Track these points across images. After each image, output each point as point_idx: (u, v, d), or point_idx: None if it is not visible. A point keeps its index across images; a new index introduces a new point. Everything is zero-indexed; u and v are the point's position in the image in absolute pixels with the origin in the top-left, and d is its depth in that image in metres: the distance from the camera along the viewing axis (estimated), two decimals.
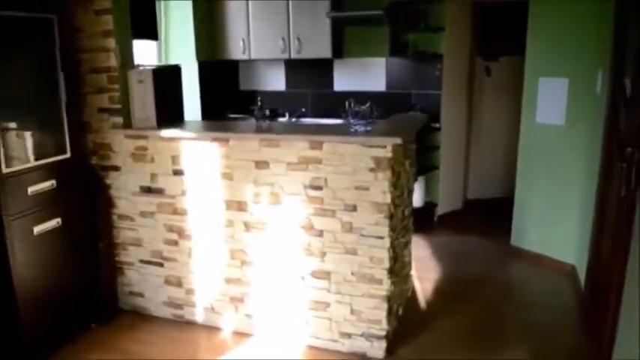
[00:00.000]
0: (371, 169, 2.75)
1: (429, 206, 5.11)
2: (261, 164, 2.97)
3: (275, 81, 5.55)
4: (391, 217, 2.81)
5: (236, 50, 5.19)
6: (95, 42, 3.14)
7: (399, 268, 3.17)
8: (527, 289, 3.91)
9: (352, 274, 2.91)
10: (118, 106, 3.19)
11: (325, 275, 2.97)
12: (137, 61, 3.39)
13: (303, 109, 5.22)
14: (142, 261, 3.42)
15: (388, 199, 2.75)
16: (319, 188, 2.87)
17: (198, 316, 3.36)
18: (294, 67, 5.44)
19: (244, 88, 5.67)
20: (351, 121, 2.91)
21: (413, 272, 3.87)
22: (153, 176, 3.24)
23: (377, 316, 2.92)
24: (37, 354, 2.95)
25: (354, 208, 2.83)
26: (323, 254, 2.95)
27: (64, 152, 3.07)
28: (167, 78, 3.36)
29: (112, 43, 3.11)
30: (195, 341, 3.22)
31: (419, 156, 3.80)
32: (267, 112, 3.60)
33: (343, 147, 2.78)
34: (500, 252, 4.45)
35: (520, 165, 4.29)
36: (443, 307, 3.55)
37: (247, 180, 3.02)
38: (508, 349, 3.07)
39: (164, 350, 3.09)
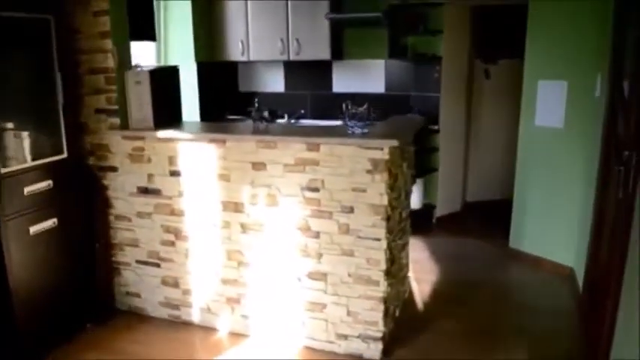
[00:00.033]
0: (368, 171, 2.74)
1: (428, 208, 5.11)
2: (258, 166, 2.97)
3: (274, 82, 5.55)
4: (388, 219, 2.81)
5: (235, 51, 5.18)
6: (93, 43, 3.14)
7: (396, 270, 3.16)
8: (525, 292, 3.90)
9: (349, 275, 2.91)
10: (116, 107, 3.19)
11: (322, 276, 2.96)
12: (136, 62, 3.40)
13: (302, 111, 5.22)
14: (138, 261, 3.42)
15: (385, 201, 2.75)
16: (316, 190, 2.87)
17: (195, 316, 3.36)
18: (293, 69, 5.44)
19: (243, 89, 5.67)
20: (349, 122, 2.91)
21: (410, 274, 3.87)
22: (150, 177, 3.24)
23: (373, 318, 2.91)
24: (34, 354, 2.94)
25: (351, 210, 2.82)
26: (319, 256, 2.94)
27: (61, 153, 3.07)
28: (165, 79, 3.35)
29: (109, 44, 3.11)
30: (192, 342, 3.22)
31: (418, 158, 3.80)
32: (266, 114, 3.60)
33: (340, 149, 2.78)
34: (499, 254, 4.44)
35: (519, 167, 4.29)
36: (440, 309, 3.54)
37: (244, 181, 3.02)
38: (506, 351, 3.07)
39: (160, 351, 3.09)
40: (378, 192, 2.75)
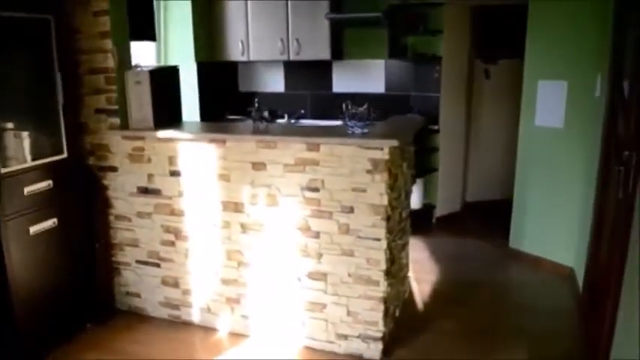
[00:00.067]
0: (368, 171, 2.74)
1: (428, 208, 5.11)
2: (258, 166, 2.97)
3: (274, 82, 5.55)
4: (388, 219, 2.81)
5: (235, 51, 5.18)
6: (93, 43, 3.14)
7: (396, 270, 3.16)
8: (525, 292, 3.90)
9: (349, 275, 2.90)
10: (116, 107, 3.19)
11: (322, 276, 2.96)
12: (136, 62, 3.40)
13: (302, 111, 5.22)
14: (138, 261, 3.42)
15: (385, 201, 2.75)
16: (316, 190, 2.87)
17: (195, 316, 3.36)
18: (293, 69, 5.44)
19: (243, 89, 5.67)
20: (349, 122, 2.91)
21: (410, 274, 3.87)
22: (150, 177, 3.24)
23: (373, 318, 2.91)
24: (34, 354, 2.94)
25: (351, 210, 2.82)
26: (319, 256, 2.94)
27: (61, 153, 3.07)
28: (165, 79, 3.35)
29: (109, 44, 3.11)
30: (192, 342, 3.22)
31: (418, 158, 3.80)
32: (266, 114, 3.60)
33: (340, 149, 2.78)
34: (499, 254, 4.44)
35: (519, 167, 4.29)
36: (440, 309, 3.54)
37: (244, 181, 3.02)
38: (505, 351, 3.07)
39: (160, 351, 3.09)
40: (378, 192, 2.75)
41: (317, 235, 2.92)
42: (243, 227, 3.09)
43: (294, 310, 3.08)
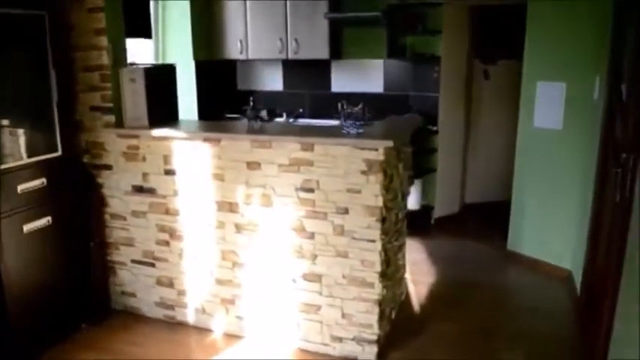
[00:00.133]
0: (363, 172, 2.72)
1: (426, 209, 5.09)
2: (253, 165, 2.94)
3: (273, 81, 5.53)
4: (383, 220, 2.78)
5: (233, 50, 5.17)
6: (88, 40, 3.13)
7: (391, 272, 3.14)
8: (523, 294, 3.87)
9: (343, 277, 2.88)
10: (110, 104, 3.17)
11: (316, 278, 2.94)
12: (134, 60, 3.38)
13: (301, 110, 5.20)
14: (133, 261, 3.40)
15: (380, 202, 2.73)
16: (311, 190, 2.85)
17: (190, 317, 3.34)
18: (291, 68, 5.42)
19: (242, 88, 5.65)
20: (344, 123, 2.89)
21: (408, 276, 3.84)
22: (145, 176, 3.22)
23: (368, 320, 2.89)
24: (28, 354, 2.93)
25: (346, 211, 2.80)
26: (314, 257, 2.92)
27: (55, 150, 3.05)
28: (160, 77, 3.33)
29: (104, 41, 3.09)
30: (186, 343, 3.20)
31: (416, 159, 3.77)
32: (265, 113, 3.58)
33: (335, 149, 2.76)
34: (497, 256, 4.41)
35: (517, 169, 4.26)
36: (437, 311, 3.52)
37: (239, 181, 3.00)
38: (502, 353, 3.05)
39: (156, 351, 3.07)
40: (372, 193, 2.72)
41: (312, 235, 2.90)
42: (238, 227, 3.06)
43: (288, 312, 3.06)
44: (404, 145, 3.23)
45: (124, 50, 3.23)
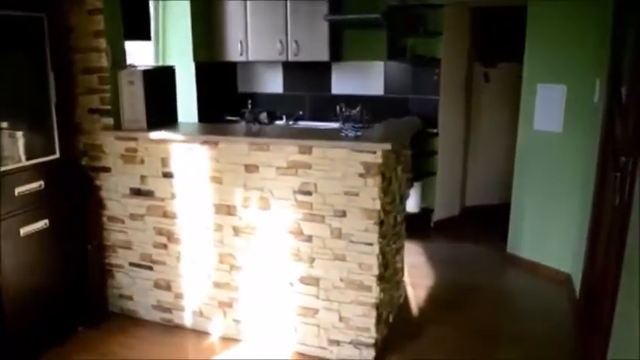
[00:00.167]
0: (361, 175, 2.71)
1: (426, 212, 5.07)
2: (251, 168, 2.94)
3: (273, 83, 5.52)
4: (381, 223, 2.77)
5: (234, 52, 5.16)
6: (87, 42, 3.12)
7: (389, 275, 3.13)
8: (522, 297, 3.86)
9: (341, 280, 2.87)
10: (109, 107, 3.16)
11: (314, 281, 2.93)
12: (132, 61, 3.37)
13: (301, 112, 5.19)
14: (131, 264, 3.39)
15: (378, 205, 2.71)
16: (309, 193, 2.84)
17: (187, 320, 3.33)
18: (292, 70, 5.41)
19: (243, 90, 5.65)
20: (343, 125, 2.88)
21: (406, 279, 3.83)
22: (143, 178, 3.21)
23: (366, 324, 2.88)
24: (25, 357, 2.92)
25: (344, 214, 2.79)
26: (312, 260, 2.91)
27: (53, 153, 3.04)
28: (159, 79, 3.32)
29: (103, 43, 3.09)
30: (184, 346, 3.19)
31: (416, 161, 3.76)
32: (264, 115, 3.57)
33: (333, 152, 2.75)
34: (496, 259, 4.40)
35: (517, 172, 4.25)
36: (435, 315, 3.50)
37: (236, 184, 2.99)
38: (501, 356, 3.04)
39: (153, 355, 3.05)
40: (370, 196, 2.71)
41: (309, 239, 2.89)
42: (236, 230, 3.05)
43: (286, 315, 3.04)
44: (403, 148, 3.22)
45: (123, 52, 3.23)
